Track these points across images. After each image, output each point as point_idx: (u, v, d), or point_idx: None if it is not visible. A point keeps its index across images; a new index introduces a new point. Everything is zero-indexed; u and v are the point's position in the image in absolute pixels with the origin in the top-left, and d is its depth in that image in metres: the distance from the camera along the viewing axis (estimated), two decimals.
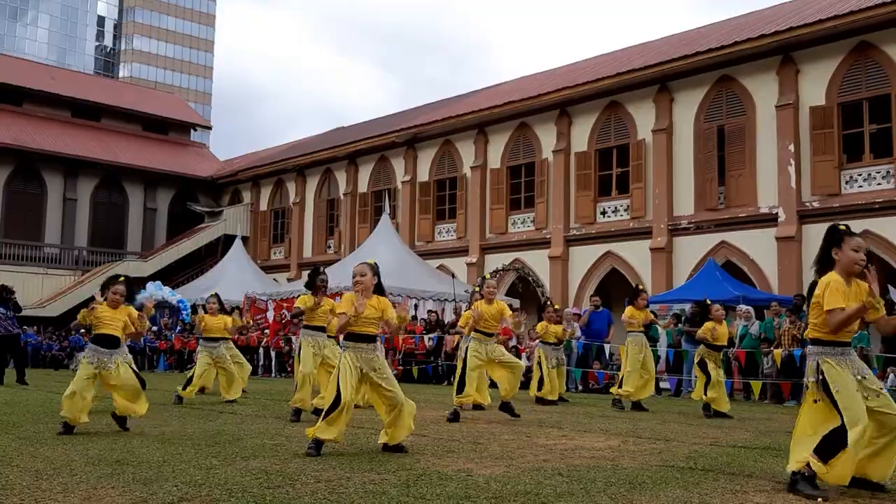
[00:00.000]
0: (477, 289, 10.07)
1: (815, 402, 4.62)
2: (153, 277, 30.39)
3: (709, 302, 10.49)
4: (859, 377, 4.46)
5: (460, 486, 4.42)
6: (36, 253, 33.00)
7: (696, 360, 10.29)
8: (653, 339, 15.57)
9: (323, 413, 5.64)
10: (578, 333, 16.43)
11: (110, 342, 6.96)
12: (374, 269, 6.01)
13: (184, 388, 10.19)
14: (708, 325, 10.05)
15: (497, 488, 4.37)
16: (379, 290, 6.06)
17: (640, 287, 11.76)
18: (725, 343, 10.31)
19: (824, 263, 4.77)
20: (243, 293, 22.28)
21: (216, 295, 10.93)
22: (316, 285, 8.67)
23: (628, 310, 10.84)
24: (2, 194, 32.76)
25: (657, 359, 15.71)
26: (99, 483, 4.26)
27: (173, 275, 32.40)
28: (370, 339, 5.90)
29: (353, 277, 5.91)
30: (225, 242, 34.03)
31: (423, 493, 4.17)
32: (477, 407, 9.48)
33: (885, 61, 18.16)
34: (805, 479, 4.32)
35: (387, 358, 16.53)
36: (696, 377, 10.55)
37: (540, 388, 11.44)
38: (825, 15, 18.76)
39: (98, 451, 5.48)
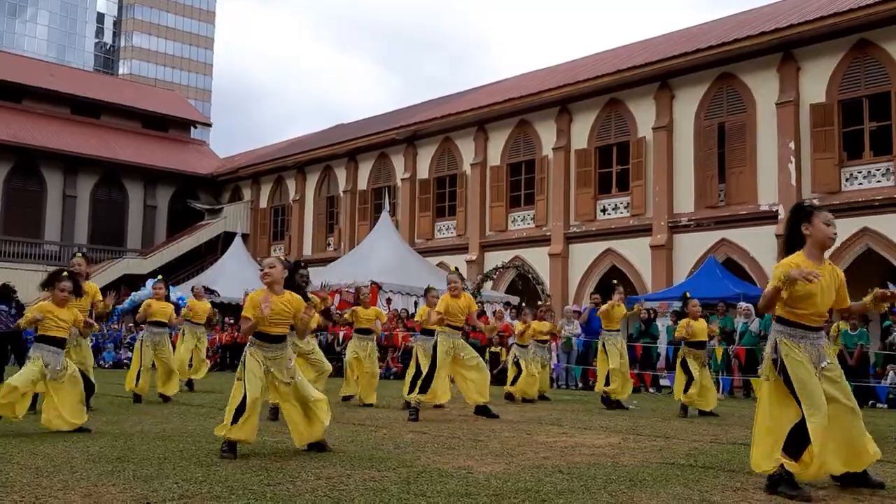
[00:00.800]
0: (433, 290, 9.84)
1: (766, 379, 4.57)
2: (153, 274, 30.33)
3: (688, 296, 10.17)
4: (821, 364, 4.37)
5: (461, 483, 4.42)
6: (35, 250, 33.00)
7: (678, 360, 9.89)
8: (653, 336, 15.61)
9: (232, 415, 5.31)
10: (578, 331, 16.44)
11: (58, 343, 6.70)
12: (285, 263, 5.82)
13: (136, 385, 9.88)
14: (682, 322, 9.74)
15: (497, 485, 4.37)
16: (290, 285, 5.87)
17: (615, 282, 11.49)
18: (705, 339, 9.88)
19: (792, 242, 4.63)
20: (243, 290, 22.22)
21: (163, 279, 10.91)
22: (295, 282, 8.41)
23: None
24: (1, 191, 32.76)
25: (657, 356, 15.75)
26: (99, 480, 4.26)
27: (173, 272, 32.36)
28: (277, 339, 5.60)
29: (262, 269, 5.69)
30: (225, 240, 34.02)
31: (424, 490, 4.17)
32: (437, 406, 9.25)
33: (885, 59, 18.15)
34: (784, 481, 4.25)
35: (386, 355, 16.53)
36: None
37: (513, 383, 11.52)
38: (826, 12, 18.75)
39: (99, 449, 5.48)
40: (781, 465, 4.26)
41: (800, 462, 4.23)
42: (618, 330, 10.67)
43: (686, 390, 9.48)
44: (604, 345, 10.54)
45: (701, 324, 9.76)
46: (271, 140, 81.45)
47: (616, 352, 10.42)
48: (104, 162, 34.76)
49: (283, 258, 5.91)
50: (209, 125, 49.64)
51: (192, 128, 44.23)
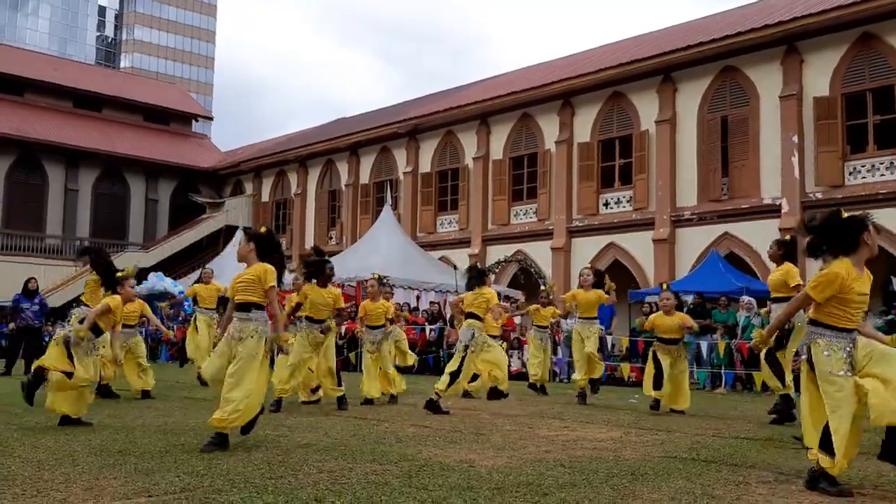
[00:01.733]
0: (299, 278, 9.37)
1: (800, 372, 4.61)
2: (155, 268, 30.37)
3: (664, 287, 9.56)
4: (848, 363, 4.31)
5: (462, 476, 4.41)
6: (37, 244, 33.01)
7: (650, 353, 9.26)
8: None
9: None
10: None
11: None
12: (251, 235, 5.90)
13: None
14: (651, 316, 9.16)
15: (499, 479, 4.36)
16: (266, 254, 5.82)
17: (587, 268, 10.84)
18: (676, 335, 8.96)
19: (838, 248, 4.54)
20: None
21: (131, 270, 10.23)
22: (326, 274, 8.40)
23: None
24: (3, 185, 32.76)
25: None
26: (101, 473, 4.26)
27: (175, 266, 32.39)
28: (243, 307, 5.63)
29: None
30: (227, 233, 33.99)
31: (426, 483, 4.16)
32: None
33: (889, 52, 18.08)
34: (823, 476, 4.23)
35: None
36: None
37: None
38: (829, 5, 18.68)
39: (100, 442, 5.48)
40: (817, 461, 4.24)
41: (834, 459, 4.18)
42: (593, 317, 9.99)
43: (656, 386, 8.83)
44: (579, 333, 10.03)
45: (669, 319, 8.92)
46: (273, 134, 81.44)
47: (579, 338, 9.92)
48: (106, 155, 34.75)
49: (250, 231, 6.11)
50: (211, 119, 49.55)
51: (194, 121, 44.19)
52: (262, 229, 6.17)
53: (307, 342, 8.22)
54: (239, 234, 5.87)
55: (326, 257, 8.78)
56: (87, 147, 34.23)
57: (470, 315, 8.58)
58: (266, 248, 5.84)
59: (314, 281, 8.32)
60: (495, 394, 9.91)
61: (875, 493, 4.27)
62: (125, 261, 32.23)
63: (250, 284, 5.67)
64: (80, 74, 41.92)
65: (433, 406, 8.06)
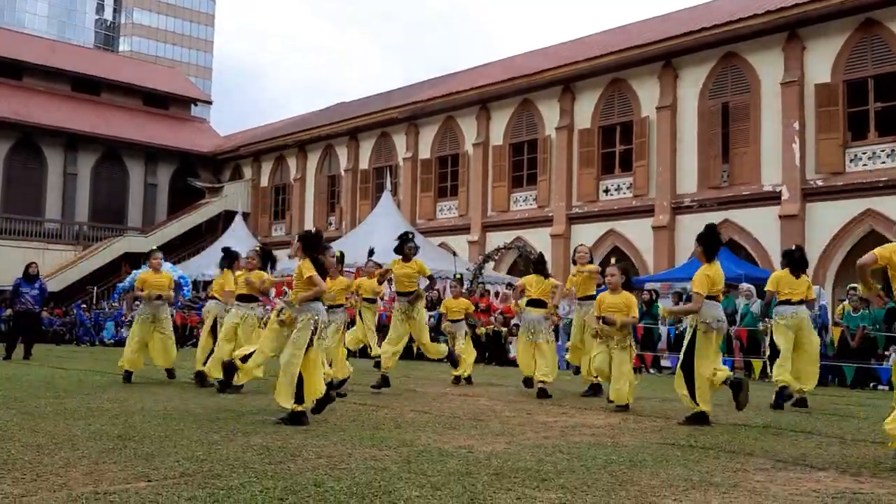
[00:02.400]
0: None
1: None
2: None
3: (612, 262, 8.44)
4: None
5: (461, 462, 4.43)
6: (36, 228, 32.99)
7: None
8: (654, 317, 15.61)
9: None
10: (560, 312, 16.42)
11: None
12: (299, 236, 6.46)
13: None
14: (600, 296, 8.19)
15: (498, 464, 4.37)
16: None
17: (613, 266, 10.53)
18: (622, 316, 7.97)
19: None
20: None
21: (159, 249, 10.39)
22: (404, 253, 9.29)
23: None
24: (2, 169, 32.69)
25: (658, 337, 15.76)
26: (101, 458, 4.27)
27: (174, 250, 32.38)
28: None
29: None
30: (225, 218, 34.00)
31: (425, 469, 4.18)
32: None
33: (891, 38, 18.00)
34: None
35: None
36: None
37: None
38: None
39: (100, 427, 5.49)
40: None
41: None
42: (591, 296, 9.17)
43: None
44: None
45: (616, 298, 7.89)
46: (272, 118, 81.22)
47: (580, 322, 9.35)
48: (105, 139, 34.67)
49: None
50: (210, 103, 49.43)
51: (193, 105, 44.07)
52: (314, 229, 6.89)
53: (401, 315, 9.23)
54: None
55: (408, 235, 9.66)
56: (85, 131, 34.14)
57: (536, 303, 9.09)
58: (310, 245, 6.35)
59: (399, 257, 9.37)
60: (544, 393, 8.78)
61: (873, 480, 4.29)
62: (124, 246, 32.29)
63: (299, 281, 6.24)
64: (79, 58, 41.77)
65: (545, 393, 8.56)
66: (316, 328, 6.02)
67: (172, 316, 11.05)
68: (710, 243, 7.07)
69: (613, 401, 7.64)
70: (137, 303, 10.40)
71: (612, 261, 8.43)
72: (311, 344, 5.96)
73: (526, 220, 24.93)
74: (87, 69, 38.88)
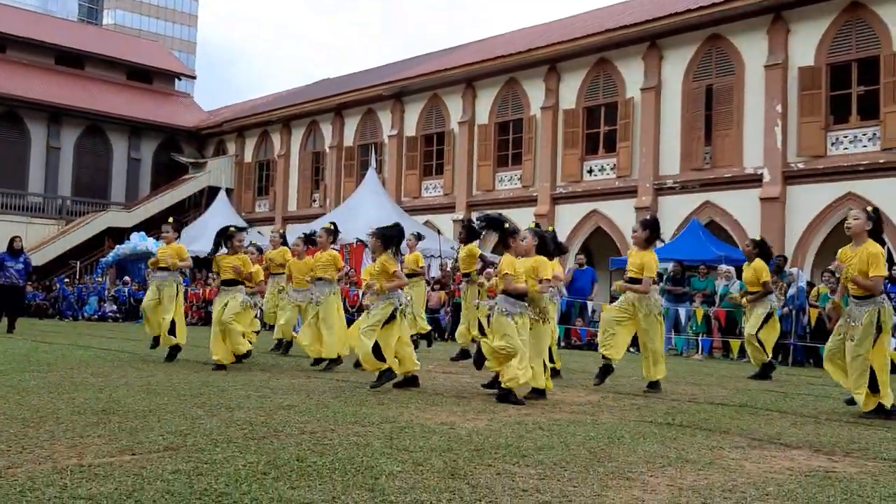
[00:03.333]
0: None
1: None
2: (137, 228, 30.22)
3: (503, 224, 7.25)
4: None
5: (443, 438, 4.50)
6: (19, 201, 32.69)
7: None
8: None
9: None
10: (563, 291, 16.54)
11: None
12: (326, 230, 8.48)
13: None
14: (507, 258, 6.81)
15: (479, 441, 4.45)
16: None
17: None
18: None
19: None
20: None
21: (174, 222, 9.94)
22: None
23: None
24: None
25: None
26: (85, 432, 4.30)
27: (157, 226, 32.04)
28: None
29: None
30: (209, 194, 33.82)
31: (407, 445, 4.24)
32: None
33: (876, 22, 18.09)
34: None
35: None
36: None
37: None
38: None
39: (84, 401, 5.52)
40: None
41: None
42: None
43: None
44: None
45: (527, 261, 7.05)
46: (256, 94, 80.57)
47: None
48: (88, 113, 34.31)
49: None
50: (194, 77, 48.89)
51: (177, 80, 43.63)
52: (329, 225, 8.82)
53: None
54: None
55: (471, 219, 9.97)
56: (69, 105, 33.77)
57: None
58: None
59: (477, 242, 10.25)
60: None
61: (846, 459, 4.40)
62: (107, 220, 32.09)
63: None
64: (62, 31, 41.17)
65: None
66: (396, 311, 6.99)
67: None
68: (656, 232, 7.55)
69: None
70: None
71: (532, 224, 7.46)
72: (391, 320, 6.96)
73: (511, 199, 24.97)
74: (70, 42, 38.38)
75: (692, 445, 4.59)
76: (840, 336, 6.28)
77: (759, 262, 9.67)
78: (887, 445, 4.86)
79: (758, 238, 10.17)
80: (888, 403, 6.05)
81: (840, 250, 6.49)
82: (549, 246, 6.96)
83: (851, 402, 6.32)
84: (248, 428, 4.62)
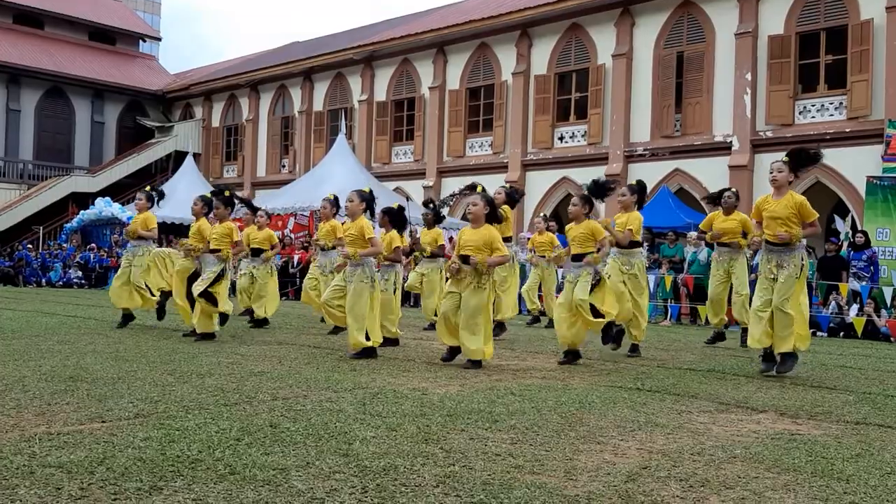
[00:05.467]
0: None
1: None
2: (102, 193, 29.74)
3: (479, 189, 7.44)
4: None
5: (415, 404, 4.51)
6: None
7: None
8: None
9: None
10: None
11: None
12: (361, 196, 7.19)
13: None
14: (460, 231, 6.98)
15: (451, 406, 4.47)
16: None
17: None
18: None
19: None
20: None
21: (145, 191, 9.63)
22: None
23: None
24: None
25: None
26: (53, 399, 4.25)
27: (123, 191, 31.68)
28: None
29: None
30: (176, 159, 33.32)
31: (380, 410, 4.25)
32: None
33: None
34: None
35: None
36: None
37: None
38: None
39: (51, 368, 5.45)
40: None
41: None
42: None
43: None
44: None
45: (429, 234, 9.13)
46: (224, 57, 79.10)
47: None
48: (49, 75, 33.48)
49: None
50: (159, 39, 47.78)
51: (141, 42, 42.65)
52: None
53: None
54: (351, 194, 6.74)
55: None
56: (28, 66, 32.90)
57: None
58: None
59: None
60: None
61: (810, 422, 4.49)
62: (70, 185, 31.51)
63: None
64: None
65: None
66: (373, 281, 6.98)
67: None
68: (643, 196, 8.08)
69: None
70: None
71: (479, 189, 7.22)
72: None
73: (482, 165, 24.92)
74: (29, 1, 37.27)
75: (661, 410, 4.66)
76: (765, 290, 6.43)
77: (743, 214, 9.07)
78: (849, 408, 4.97)
79: (735, 190, 9.55)
80: (803, 347, 6.49)
81: (759, 200, 6.74)
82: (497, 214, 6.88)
83: (768, 365, 6.55)
84: (219, 394, 4.60)
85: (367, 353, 6.82)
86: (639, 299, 7.71)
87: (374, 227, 7.26)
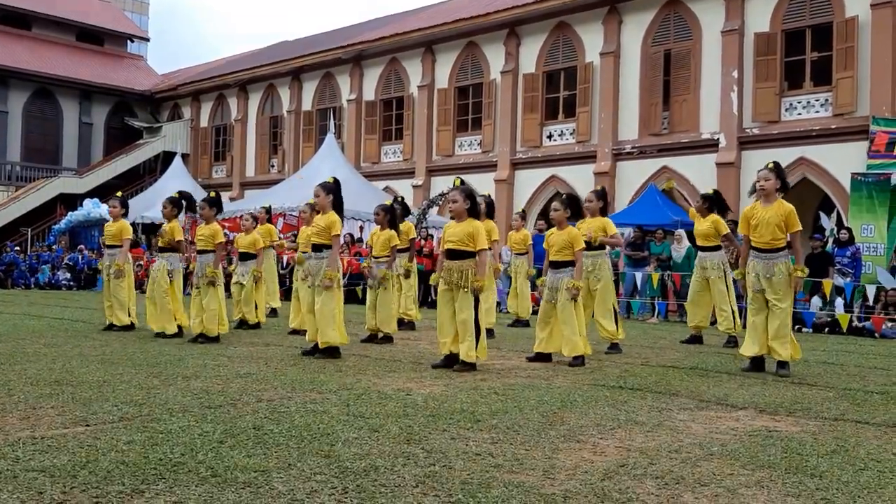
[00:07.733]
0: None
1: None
2: (90, 194, 29.65)
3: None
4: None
5: (399, 404, 4.55)
6: None
7: None
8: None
9: None
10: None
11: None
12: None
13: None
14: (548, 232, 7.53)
15: (435, 406, 4.51)
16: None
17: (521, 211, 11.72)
18: (385, 253, 9.06)
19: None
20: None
21: (117, 197, 9.63)
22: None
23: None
24: None
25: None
26: (38, 403, 4.27)
27: (111, 192, 31.49)
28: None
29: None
30: (164, 159, 33.24)
31: (363, 411, 4.29)
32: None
33: None
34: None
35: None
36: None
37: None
38: None
39: (36, 371, 5.46)
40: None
41: None
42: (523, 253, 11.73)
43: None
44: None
45: (381, 234, 9.24)
46: (212, 57, 78.88)
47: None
48: (36, 76, 33.31)
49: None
50: (147, 40, 47.64)
51: (129, 42, 42.51)
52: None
53: None
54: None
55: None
56: (16, 67, 32.73)
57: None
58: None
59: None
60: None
61: (788, 418, 4.55)
62: (58, 186, 31.39)
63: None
64: None
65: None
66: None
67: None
68: (606, 201, 8.41)
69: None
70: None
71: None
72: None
73: (471, 164, 24.95)
74: (16, 1, 37.07)
75: (642, 408, 4.72)
76: (755, 300, 6.61)
77: (715, 216, 9.15)
78: (828, 405, 5.04)
79: (710, 192, 9.57)
80: (798, 356, 6.72)
81: (746, 210, 6.91)
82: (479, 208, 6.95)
83: (757, 367, 6.70)
84: (204, 397, 4.63)
85: (332, 352, 6.91)
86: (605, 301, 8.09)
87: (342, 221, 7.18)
